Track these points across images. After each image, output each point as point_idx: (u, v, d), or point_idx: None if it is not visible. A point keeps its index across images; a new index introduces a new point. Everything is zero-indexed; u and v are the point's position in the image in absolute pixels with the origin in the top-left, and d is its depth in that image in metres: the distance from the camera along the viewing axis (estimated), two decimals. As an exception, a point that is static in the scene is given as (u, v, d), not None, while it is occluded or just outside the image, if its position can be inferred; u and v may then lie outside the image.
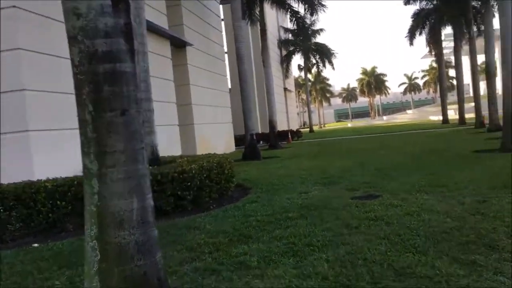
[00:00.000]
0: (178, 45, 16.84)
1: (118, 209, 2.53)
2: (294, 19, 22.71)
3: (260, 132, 28.51)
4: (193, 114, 17.47)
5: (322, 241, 4.45)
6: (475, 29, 26.31)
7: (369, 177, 8.90)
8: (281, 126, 38.75)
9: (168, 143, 14.27)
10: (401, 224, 4.90)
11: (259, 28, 23.72)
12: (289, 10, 22.29)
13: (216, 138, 19.77)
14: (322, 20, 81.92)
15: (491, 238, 4.12)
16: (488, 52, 20.40)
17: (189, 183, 6.50)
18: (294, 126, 47.95)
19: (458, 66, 30.55)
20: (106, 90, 2.49)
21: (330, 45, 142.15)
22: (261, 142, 26.09)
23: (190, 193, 6.55)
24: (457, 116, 32.98)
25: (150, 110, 7.87)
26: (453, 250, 3.88)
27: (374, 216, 5.34)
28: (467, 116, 31.57)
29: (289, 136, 28.07)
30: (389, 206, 5.86)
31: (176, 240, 4.97)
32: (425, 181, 7.66)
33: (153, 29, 13.72)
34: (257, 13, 21.91)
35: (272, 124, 21.60)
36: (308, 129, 50.92)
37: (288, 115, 45.92)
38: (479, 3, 24.13)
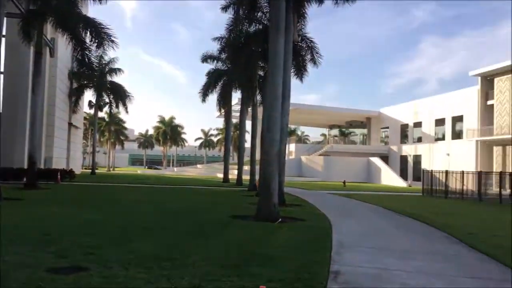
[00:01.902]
0: None
1: None
2: (79, 48, 20.45)
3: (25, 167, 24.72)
4: None
5: None
6: (259, 97, 27.99)
7: (102, 238, 7.44)
8: (60, 164, 34.80)
9: None
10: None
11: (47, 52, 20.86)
12: (74, 38, 20.00)
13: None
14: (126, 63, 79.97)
15: None
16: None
17: None
18: (77, 166, 43.96)
19: (241, 129, 32.11)
20: None
21: (130, 88, 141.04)
22: (24, 179, 22.41)
23: None
24: (239, 176, 34.23)
25: None
26: None
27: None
28: (246, 177, 33.00)
29: (59, 175, 24.95)
30: (83, 286, 4.48)
31: None
32: (158, 250, 6.57)
33: None
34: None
35: (32, 160, 18.59)
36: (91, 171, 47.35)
37: (70, 153, 41.82)
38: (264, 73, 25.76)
